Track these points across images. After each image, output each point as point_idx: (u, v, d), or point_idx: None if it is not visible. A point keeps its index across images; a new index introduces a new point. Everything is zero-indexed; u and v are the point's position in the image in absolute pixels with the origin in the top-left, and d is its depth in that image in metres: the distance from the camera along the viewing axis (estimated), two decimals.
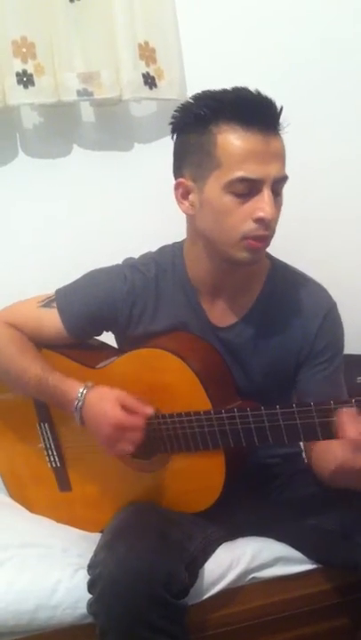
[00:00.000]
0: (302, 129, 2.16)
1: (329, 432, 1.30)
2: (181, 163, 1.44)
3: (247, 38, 2.15)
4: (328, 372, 1.51)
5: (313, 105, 2.22)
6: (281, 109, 1.38)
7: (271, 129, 1.36)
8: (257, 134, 1.34)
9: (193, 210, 1.44)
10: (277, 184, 1.38)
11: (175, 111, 1.44)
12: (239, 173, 1.35)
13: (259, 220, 1.36)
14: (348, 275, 2.24)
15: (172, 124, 1.45)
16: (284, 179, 1.39)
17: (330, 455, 1.41)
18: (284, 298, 1.52)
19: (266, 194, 1.35)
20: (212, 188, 1.38)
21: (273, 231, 1.40)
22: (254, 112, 1.35)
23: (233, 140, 1.35)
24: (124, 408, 1.42)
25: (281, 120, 1.38)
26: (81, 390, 1.46)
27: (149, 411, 1.43)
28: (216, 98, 1.38)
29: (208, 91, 1.41)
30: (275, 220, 1.39)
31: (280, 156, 1.37)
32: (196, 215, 1.44)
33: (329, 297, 1.55)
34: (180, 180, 1.44)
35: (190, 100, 1.42)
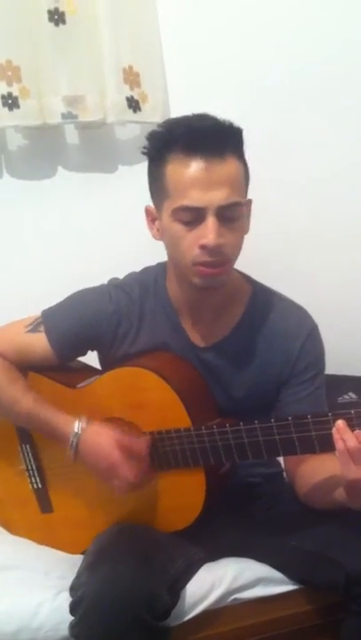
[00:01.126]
0: (287, 147, 2.22)
1: (307, 446, 1.32)
2: (150, 189, 1.48)
3: (230, 63, 2.18)
4: (309, 392, 1.53)
5: (297, 125, 2.25)
6: (237, 132, 1.39)
7: (214, 156, 1.35)
8: (199, 162, 1.35)
9: (159, 235, 1.47)
10: (227, 210, 1.37)
11: (145, 138, 1.46)
12: (181, 202, 1.36)
13: (203, 247, 1.37)
14: (329, 294, 2.26)
15: (143, 153, 1.47)
16: (234, 205, 1.37)
17: (319, 471, 1.42)
18: (266, 321, 1.54)
19: (210, 221, 1.36)
20: (165, 217, 1.42)
21: (226, 256, 1.40)
22: (198, 140, 1.35)
23: (177, 169, 1.37)
24: (120, 447, 1.43)
25: (232, 144, 1.38)
26: (75, 430, 1.46)
27: (145, 444, 1.44)
28: (169, 129, 1.40)
29: (169, 120, 1.45)
30: (229, 245, 1.39)
31: (228, 182, 1.36)
32: (162, 240, 1.47)
33: (310, 319, 1.57)
34: (148, 207, 1.48)
35: (156, 129, 1.44)
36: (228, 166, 1.37)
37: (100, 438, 1.45)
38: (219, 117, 1.39)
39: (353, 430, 1.24)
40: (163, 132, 1.41)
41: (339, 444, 1.25)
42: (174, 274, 1.52)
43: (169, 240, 1.44)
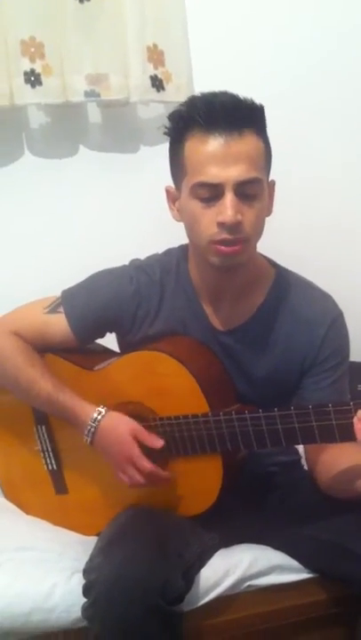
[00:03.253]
0: (310, 136, 2.19)
1: (328, 435, 1.30)
2: (171, 170, 1.47)
3: (255, 43, 2.15)
4: (331, 380, 1.51)
5: (321, 112, 2.22)
6: (257, 109, 1.38)
7: (232, 131, 1.34)
8: (217, 138, 1.34)
9: (179, 216, 1.46)
10: (245, 187, 1.35)
11: (167, 118, 1.45)
12: (199, 178, 1.35)
13: (221, 225, 1.36)
14: (353, 282, 2.24)
15: (165, 133, 1.46)
16: (251, 181, 1.36)
17: (340, 459, 1.41)
18: (289, 305, 1.52)
19: (228, 197, 1.34)
20: (184, 196, 1.41)
21: (246, 235, 1.38)
22: (216, 115, 1.34)
23: (195, 146, 1.36)
24: (137, 439, 1.43)
25: (251, 119, 1.36)
26: (95, 416, 1.46)
27: (160, 444, 1.43)
28: (187, 106, 1.40)
29: (189, 98, 1.43)
30: (248, 222, 1.37)
31: (246, 158, 1.35)
32: (182, 221, 1.46)
33: (335, 305, 1.55)
34: (168, 187, 1.48)
35: (177, 108, 1.43)
36: (247, 142, 1.35)
37: (117, 429, 1.45)
38: (240, 95, 1.37)
39: None
40: (182, 110, 1.40)
41: (360, 435, 1.23)
42: (194, 255, 1.51)
43: (187, 219, 1.42)
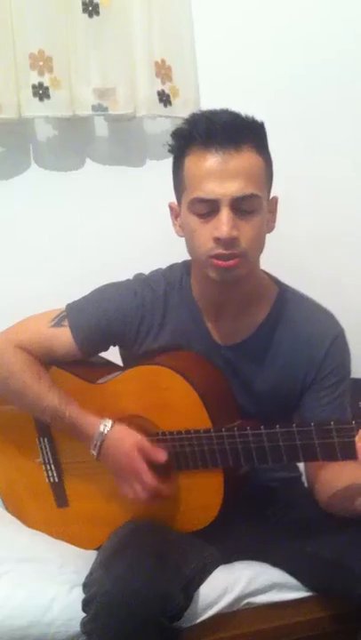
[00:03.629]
0: (315, 147, 2.20)
1: (329, 453, 1.30)
2: (174, 186, 1.48)
3: (263, 60, 2.17)
4: (332, 398, 1.51)
5: (327, 125, 2.24)
6: (257, 125, 1.39)
7: (229, 147, 1.35)
8: (215, 154, 1.35)
9: (181, 231, 1.47)
10: (242, 202, 1.36)
11: (170, 135, 1.46)
12: (196, 194, 1.37)
13: (216, 240, 1.37)
14: (356, 296, 2.24)
15: (169, 151, 1.47)
16: (249, 197, 1.36)
17: (340, 477, 1.41)
18: (291, 323, 1.52)
19: (224, 213, 1.35)
20: (183, 211, 1.43)
21: (242, 250, 1.38)
22: (216, 131, 1.35)
23: (194, 163, 1.38)
24: (142, 453, 1.43)
25: (250, 136, 1.38)
26: (101, 430, 1.46)
27: (164, 458, 1.43)
28: (188, 123, 1.41)
29: (191, 114, 1.44)
30: (245, 238, 1.38)
31: (244, 174, 1.35)
32: (184, 236, 1.47)
33: (337, 323, 1.55)
34: (171, 203, 1.49)
35: (178, 126, 1.44)
36: (245, 158, 1.36)
37: (123, 443, 1.45)
38: (242, 112, 1.39)
39: None
40: (184, 127, 1.42)
41: None
42: (195, 270, 1.52)
43: (187, 234, 1.44)
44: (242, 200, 1.36)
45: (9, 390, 1.58)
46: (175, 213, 1.49)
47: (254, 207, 1.38)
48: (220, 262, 1.38)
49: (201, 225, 1.38)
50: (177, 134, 1.43)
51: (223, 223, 1.35)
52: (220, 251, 1.37)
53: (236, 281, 1.44)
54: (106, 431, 1.46)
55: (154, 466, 1.43)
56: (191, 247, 1.44)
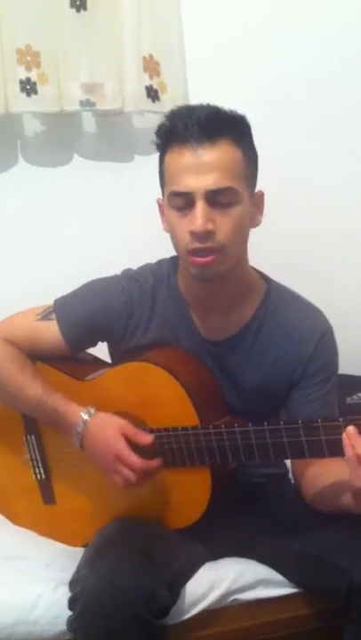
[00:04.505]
0: (305, 146, 2.20)
1: (316, 450, 1.30)
2: (159, 182, 1.48)
3: (250, 55, 2.17)
4: (320, 395, 1.51)
5: (316, 122, 2.23)
6: (235, 118, 1.40)
7: (203, 141, 1.35)
8: (189, 148, 1.36)
9: (167, 227, 1.47)
10: (218, 195, 1.36)
11: (154, 132, 1.46)
12: (172, 188, 1.38)
13: (192, 233, 1.37)
14: (343, 293, 2.25)
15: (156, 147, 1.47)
16: (224, 190, 1.36)
17: (326, 474, 1.41)
18: (279, 319, 1.52)
19: (197, 206, 1.35)
20: (165, 206, 1.44)
21: (219, 244, 1.38)
22: (192, 126, 1.36)
23: (172, 158, 1.39)
24: (126, 437, 1.42)
25: (243, 129, 1.40)
26: (84, 417, 1.46)
27: (149, 440, 1.43)
28: (170, 120, 1.42)
29: (170, 112, 1.45)
30: (222, 231, 1.37)
31: (217, 167, 1.35)
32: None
33: (325, 320, 1.55)
34: (158, 199, 1.49)
35: (163, 121, 1.44)
36: (221, 151, 1.36)
37: (106, 428, 1.44)
38: (222, 107, 1.40)
39: None
40: (165, 124, 1.43)
41: (348, 450, 1.24)
42: (181, 265, 1.52)
43: (169, 229, 1.45)
44: (217, 193, 1.36)
45: None
46: (162, 209, 1.49)
47: (231, 200, 1.38)
48: (196, 259, 1.39)
49: (179, 219, 1.39)
50: (160, 131, 1.44)
51: (197, 216, 1.35)
52: (197, 245, 1.37)
53: (218, 277, 1.43)
54: (88, 417, 1.45)
55: (139, 451, 1.42)
56: (173, 242, 1.45)
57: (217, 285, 1.46)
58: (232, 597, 1.48)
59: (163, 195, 1.46)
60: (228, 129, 1.37)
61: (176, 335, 1.55)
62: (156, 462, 1.43)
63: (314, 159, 2.24)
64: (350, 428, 1.24)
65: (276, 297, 1.55)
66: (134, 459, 1.40)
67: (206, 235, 1.36)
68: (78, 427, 1.46)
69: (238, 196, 1.39)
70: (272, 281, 1.58)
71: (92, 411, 1.46)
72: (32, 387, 1.52)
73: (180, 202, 1.38)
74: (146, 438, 1.43)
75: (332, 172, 2.27)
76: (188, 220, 1.37)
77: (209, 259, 1.38)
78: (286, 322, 1.52)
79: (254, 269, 1.56)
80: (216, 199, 1.36)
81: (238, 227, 1.40)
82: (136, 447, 1.42)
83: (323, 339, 1.52)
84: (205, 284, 1.45)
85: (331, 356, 1.55)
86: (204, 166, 1.35)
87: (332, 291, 2.13)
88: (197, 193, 1.35)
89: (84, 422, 1.45)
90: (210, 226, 1.36)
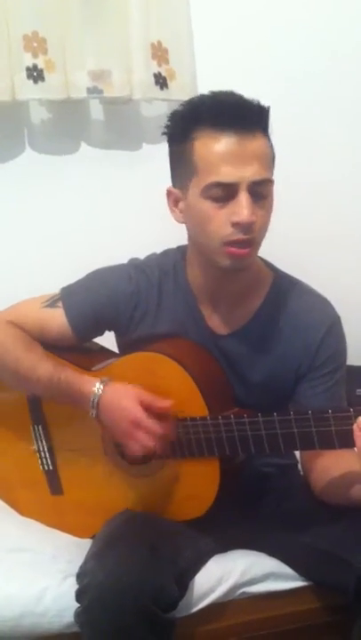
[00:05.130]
0: (314, 137, 2.18)
1: (326, 441, 1.29)
2: (172, 171, 1.46)
3: (260, 43, 2.14)
4: (328, 386, 1.50)
5: (324, 114, 2.22)
6: (265, 110, 1.37)
7: (246, 131, 1.33)
8: (231, 137, 1.33)
9: (182, 218, 1.44)
10: (258, 186, 1.35)
11: (167, 119, 1.44)
12: (213, 178, 1.34)
13: (236, 225, 1.35)
14: (351, 286, 2.23)
15: (164, 133, 1.45)
16: (265, 181, 1.36)
17: (336, 466, 1.40)
18: (287, 310, 1.50)
19: (243, 197, 1.33)
20: (192, 196, 1.39)
21: (258, 235, 1.38)
22: (228, 114, 1.34)
23: (207, 145, 1.35)
24: (143, 404, 1.40)
25: (262, 120, 1.37)
26: (98, 385, 1.44)
27: (167, 404, 1.40)
28: (194, 105, 1.39)
29: (189, 99, 1.42)
30: (259, 223, 1.36)
31: (258, 158, 1.35)
32: (185, 223, 1.44)
33: (333, 310, 1.54)
34: (170, 188, 1.45)
35: (178, 108, 1.42)
36: (258, 142, 1.35)
37: (122, 396, 1.42)
38: (244, 95, 1.37)
39: None
40: (187, 109, 1.39)
41: (359, 442, 1.23)
42: (196, 257, 1.49)
43: (196, 220, 1.40)
44: (259, 184, 1.35)
45: (3, 367, 1.55)
46: (175, 199, 1.45)
47: (267, 192, 1.38)
48: (235, 250, 1.37)
49: (216, 210, 1.36)
50: (180, 116, 1.40)
51: (244, 207, 1.33)
52: (240, 236, 1.35)
53: (245, 269, 1.42)
54: (103, 386, 1.44)
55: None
56: (202, 234, 1.40)
57: (234, 277, 1.45)
58: (241, 590, 1.47)
59: (183, 184, 1.41)
60: (263, 119, 1.37)
61: (184, 328, 1.53)
62: (173, 428, 1.40)
63: (319, 149, 2.22)
64: None
65: (282, 287, 1.53)
66: (152, 423, 1.38)
67: (250, 226, 1.34)
68: (93, 395, 1.44)
69: (271, 189, 1.39)
70: (278, 270, 1.57)
71: (106, 379, 1.45)
72: (43, 364, 1.50)
73: (219, 192, 1.34)
74: (164, 403, 1.40)
75: (334, 167, 2.25)
76: (228, 210, 1.35)
77: (246, 250, 1.38)
78: (293, 313, 1.51)
79: (260, 258, 1.54)
80: (256, 190, 1.34)
81: (269, 218, 1.40)
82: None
83: (330, 329, 1.51)
84: (228, 276, 1.44)
85: (339, 348, 1.53)
86: (247, 156, 1.33)
87: (338, 280, 2.11)
88: (242, 184, 1.33)
89: (99, 390, 1.44)
90: (254, 217, 1.34)
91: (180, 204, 1.44)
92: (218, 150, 1.34)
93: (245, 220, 1.33)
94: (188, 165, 1.38)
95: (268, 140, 1.39)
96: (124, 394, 1.42)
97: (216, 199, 1.35)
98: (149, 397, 1.41)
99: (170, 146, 1.45)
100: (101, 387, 1.44)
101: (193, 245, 1.48)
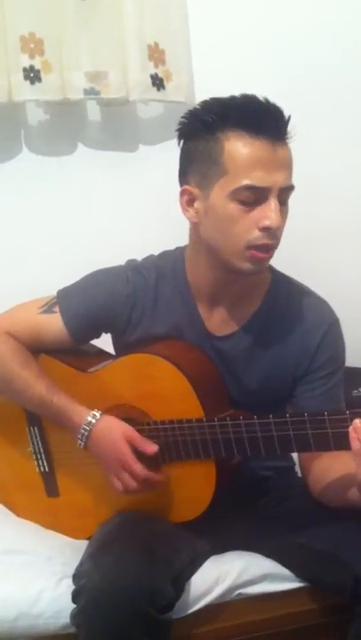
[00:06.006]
0: (310, 139, 2.17)
1: (322, 443, 1.29)
2: (187, 169, 1.43)
3: (257, 44, 2.14)
4: (326, 389, 1.50)
5: (322, 115, 2.21)
6: (289, 118, 1.37)
7: (279, 137, 1.34)
8: (264, 142, 1.33)
9: (197, 218, 1.42)
10: (284, 193, 1.36)
11: (182, 117, 1.43)
12: (246, 181, 1.33)
13: (265, 229, 1.34)
14: (350, 286, 2.23)
15: (178, 130, 1.43)
16: (290, 188, 1.37)
17: (333, 468, 1.40)
18: (285, 311, 1.50)
19: (273, 202, 1.34)
20: (217, 196, 1.37)
21: (278, 241, 1.39)
22: (262, 119, 1.33)
23: (240, 148, 1.34)
24: (131, 444, 1.41)
25: (289, 129, 1.37)
26: (89, 419, 1.44)
27: (153, 449, 1.41)
28: (224, 104, 1.37)
29: (216, 97, 1.39)
30: (280, 229, 1.38)
31: (287, 165, 1.36)
32: (200, 223, 1.42)
33: (331, 312, 1.53)
34: (186, 187, 1.43)
35: (197, 106, 1.41)
36: (287, 149, 1.37)
37: (111, 432, 1.43)
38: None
39: None
40: (216, 107, 1.37)
41: (355, 444, 1.23)
42: (205, 258, 1.46)
43: (218, 221, 1.38)
44: (285, 191, 1.36)
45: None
46: (190, 198, 1.43)
47: (287, 198, 1.39)
48: (259, 254, 1.37)
49: (243, 213, 1.35)
50: (206, 114, 1.38)
51: (274, 212, 1.33)
52: (265, 240, 1.36)
53: (262, 272, 1.44)
54: (94, 421, 1.44)
55: (143, 459, 1.41)
56: (223, 235, 1.38)
57: (239, 279, 1.45)
58: (237, 592, 1.47)
59: (206, 183, 1.38)
60: (287, 126, 1.37)
61: (180, 329, 1.53)
62: (159, 476, 1.42)
63: (317, 148, 2.21)
64: (357, 421, 1.23)
65: (281, 288, 1.53)
66: (138, 467, 1.39)
67: (276, 232, 1.36)
68: (83, 430, 1.44)
69: (291, 194, 1.40)
70: (276, 271, 1.56)
71: (98, 414, 1.45)
72: (36, 384, 1.50)
73: (250, 196, 1.34)
74: (150, 447, 1.41)
75: (334, 164, 2.25)
76: (256, 214, 1.34)
77: (269, 254, 1.39)
78: (292, 314, 1.51)
79: None
80: (281, 197, 1.35)
81: (285, 223, 1.41)
82: (140, 454, 1.41)
83: (329, 332, 1.50)
84: (237, 279, 1.44)
85: (337, 350, 1.53)
86: (278, 162, 1.34)
87: (336, 281, 2.10)
88: (273, 189, 1.34)
89: (90, 425, 1.44)
90: (282, 223, 1.36)
91: (197, 204, 1.41)
92: (252, 154, 1.33)
93: (275, 225, 1.34)
94: (215, 165, 1.36)
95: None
96: (113, 430, 1.43)
97: (245, 202, 1.34)
98: (138, 438, 1.42)
99: (186, 143, 1.43)
100: (93, 421, 1.44)
101: (200, 246, 1.46)
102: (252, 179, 1.33)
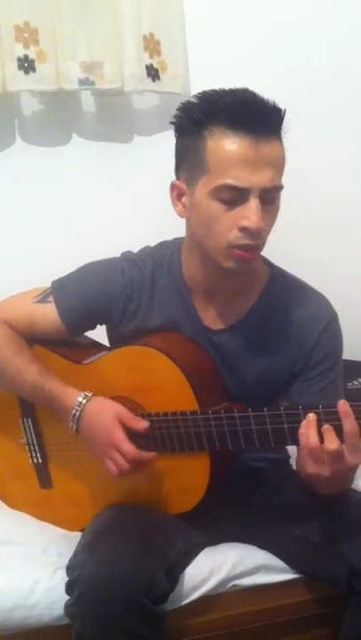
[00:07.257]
0: (303, 132, 2.16)
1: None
2: (179, 164, 1.42)
3: (253, 36, 2.14)
4: (323, 385, 1.48)
5: (315, 107, 2.21)
6: (282, 114, 1.34)
7: (263, 134, 1.30)
8: (246, 140, 1.29)
9: (185, 213, 1.42)
10: (269, 193, 1.33)
11: (177, 110, 1.41)
12: (225, 180, 1.31)
13: (243, 229, 1.32)
14: (346, 279, 2.23)
15: (173, 123, 1.42)
16: (275, 188, 1.34)
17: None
18: (283, 307, 1.49)
19: (253, 203, 1.31)
20: (200, 193, 1.36)
21: (263, 241, 1.37)
22: (246, 116, 1.30)
23: (222, 145, 1.31)
24: (122, 423, 1.40)
25: (283, 126, 1.34)
26: (80, 400, 1.43)
27: (144, 426, 1.40)
28: (211, 100, 1.34)
29: (208, 91, 1.36)
30: (265, 229, 1.35)
31: (272, 164, 1.32)
32: (188, 218, 1.42)
33: (330, 307, 1.52)
34: (175, 182, 1.42)
35: (189, 100, 1.39)
36: (273, 147, 1.32)
37: (103, 413, 1.42)
38: (261, 95, 1.34)
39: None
40: (202, 102, 1.35)
41: (302, 439, 1.25)
42: (197, 253, 1.45)
43: (201, 219, 1.37)
44: (269, 191, 1.32)
45: None
46: (179, 193, 1.42)
47: (275, 197, 1.36)
48: (242, 253, 1.35)
49: (224, 212, 1.33)
50: (193, 109, 1.35)
51: (253, 213, 1.31)
52: (247, 241, 1.33)
53: (249, 272, 1.42)
54: (85, 401, 1.43)
55: (135, 443, 1.40)
56: (206, 233, 1.38)
57: (231, 277, 1.43)
58: (232, 583, 1.47)
59: (191, 179, 1.37)
60: (277, 123, 1.34)
61: (176, 322, 1.52)
62: (150, 455, 1.40)
63: (314, 143, 2.21)
64: (311, 416, 1.25)
65: (279, 283, 1.52)
66: (129, 447, 1.38)
67: (259, 232, 1.33)
68: (74, 410, 1.43)
69: (279, 194, 1.36)
70: (274, 266, 1.55)
71: (89, 394, 1.44)
72: (28, 370, 1.50)
73: (230, 195, 1.32)
74: (141, 424, 1.40)
75: (330, 160, 2.26)
76: (236, 214, 1.32)
77: (253, 254, 1.36)
78: (289, 309, 1.49)
79: None
80: (265, 196, 1.32)
81: (274, 222, 1.39)
82: (132, 434, 1.40)
83: (327, 328, 1.49)
84: (228, 276, 1.42)
85: (335, 345, 1.51)
86: (261, 162, 1.30)
87: (333, 273, 2.11)
88: (254, 190, 1.31)
89: (81, 406, 1.43)
90: (262, 223, 1.33)
91: (184, 199, 1.41)
92: (232, 152, 1.30)
93: (254, 226, 1.31)
94: (199, 162, 1.35)
95: (282, 144, 1.35)
96: (104, 411, 1.42)
97: (225, 201, 1.33)
98: (128, 417, 1.41)
99: (178, 137, 1.42)
100: (83, 402, 1.43)
101: (193, 240, 1.45)
102: (232, 178, 1.30)
